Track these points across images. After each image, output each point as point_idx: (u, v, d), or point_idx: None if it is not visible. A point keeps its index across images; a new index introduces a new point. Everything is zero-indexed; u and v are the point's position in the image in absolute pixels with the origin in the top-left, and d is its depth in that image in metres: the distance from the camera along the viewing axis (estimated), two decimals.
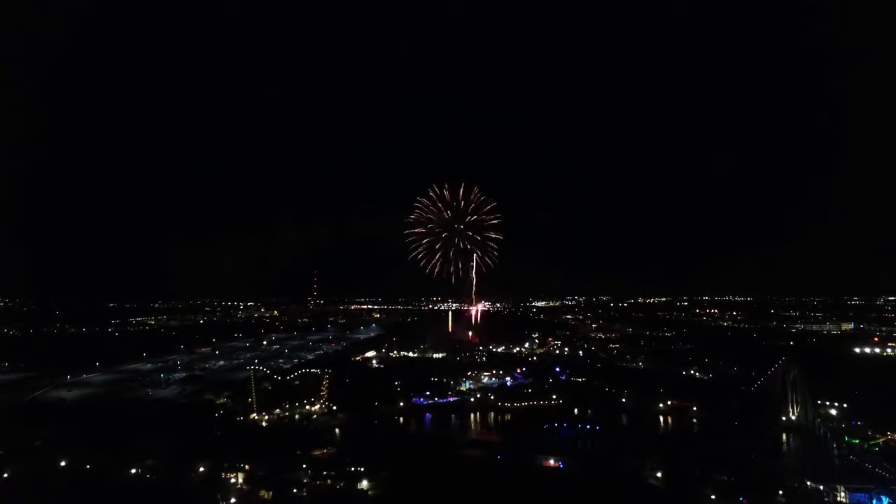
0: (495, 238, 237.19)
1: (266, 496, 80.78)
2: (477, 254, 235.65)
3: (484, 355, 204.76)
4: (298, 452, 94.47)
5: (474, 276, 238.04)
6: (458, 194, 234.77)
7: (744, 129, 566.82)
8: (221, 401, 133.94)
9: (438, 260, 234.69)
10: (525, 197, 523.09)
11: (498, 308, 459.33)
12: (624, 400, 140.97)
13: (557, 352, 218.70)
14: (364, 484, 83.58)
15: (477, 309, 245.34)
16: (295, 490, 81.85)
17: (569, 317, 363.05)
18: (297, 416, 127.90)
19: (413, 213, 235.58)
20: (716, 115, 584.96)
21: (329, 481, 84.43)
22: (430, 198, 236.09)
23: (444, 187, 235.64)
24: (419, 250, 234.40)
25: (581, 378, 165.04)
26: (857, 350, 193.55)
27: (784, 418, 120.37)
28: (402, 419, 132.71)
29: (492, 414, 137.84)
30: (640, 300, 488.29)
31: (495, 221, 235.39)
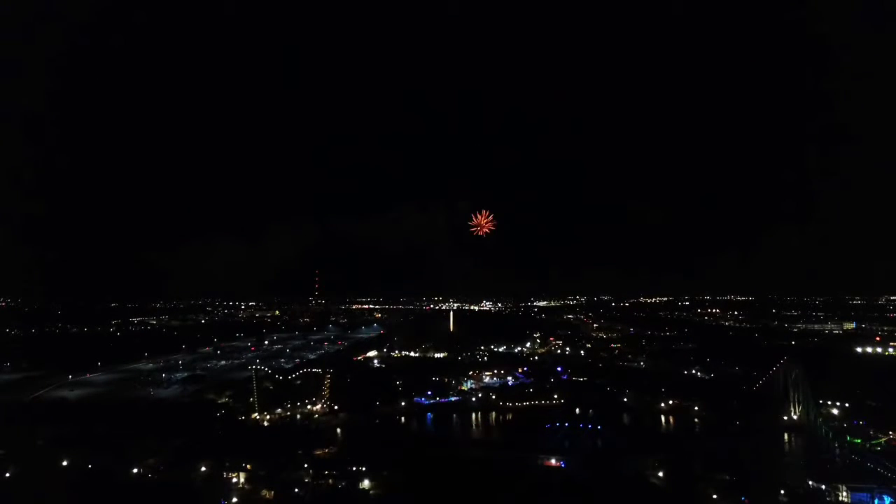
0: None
1: (267, 495, 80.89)
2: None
3: (485, 355, 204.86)
4: (300, 452, 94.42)
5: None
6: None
7: (746, 127, 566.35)
8: (223, 400, 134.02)
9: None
10: (527, 196, 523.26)
11: (500, 308, 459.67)
12: (625, 399, 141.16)
13: (559, 351, 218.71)
14: (365, 483, 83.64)
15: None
16: (296, 489, 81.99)
17: (570, 316, 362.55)
18: (298, 416, 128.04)
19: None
20: (718, 115, 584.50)
21: (330, 481, 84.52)
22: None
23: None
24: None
25: (582, 377, 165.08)
26: (859, 349, 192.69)
27: (785, 418, 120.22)
28: (403, 419, 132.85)
29: (493, 413, 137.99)
30: (642, 300, 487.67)
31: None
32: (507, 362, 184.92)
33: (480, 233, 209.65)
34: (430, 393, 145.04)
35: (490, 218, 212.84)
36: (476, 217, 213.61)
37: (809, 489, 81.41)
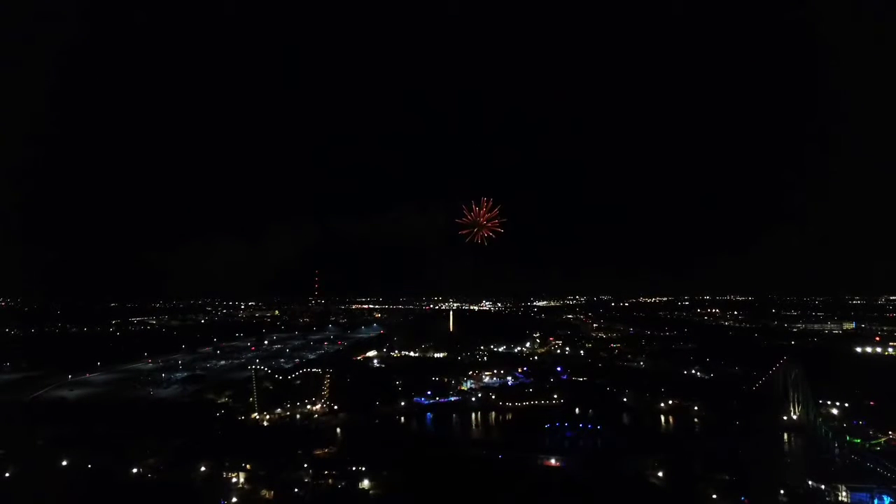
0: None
1: (267, 495, 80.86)
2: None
3: (485, 355, 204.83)
4: (299, 452, 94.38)
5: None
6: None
7: (746, 127, 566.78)
8: (223, 400, 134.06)
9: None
10: (526, 196, 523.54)
11: (500, 308, 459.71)
12: (625, 399, 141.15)
13: (558, 351, 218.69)
14: (365, 483, 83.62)
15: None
16: (296, 489, 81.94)
17: (570, 316, 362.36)
18: (298, 416, 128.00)
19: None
20: (718, 115, 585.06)
21: (330, 481, 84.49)
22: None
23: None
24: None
25: (582, 377, 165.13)
26: (859, 349, 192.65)
27: (785, 418, 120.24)
28: (403, 419, 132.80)
29: (493, 413, 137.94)
30: (642, 299, 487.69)
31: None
32: (506, 362, 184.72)
33: (478, 239, 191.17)
34: (429, 393, 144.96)
35: (494, 213, 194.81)
36: (472, 213, 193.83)
37: (809, 489, 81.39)
